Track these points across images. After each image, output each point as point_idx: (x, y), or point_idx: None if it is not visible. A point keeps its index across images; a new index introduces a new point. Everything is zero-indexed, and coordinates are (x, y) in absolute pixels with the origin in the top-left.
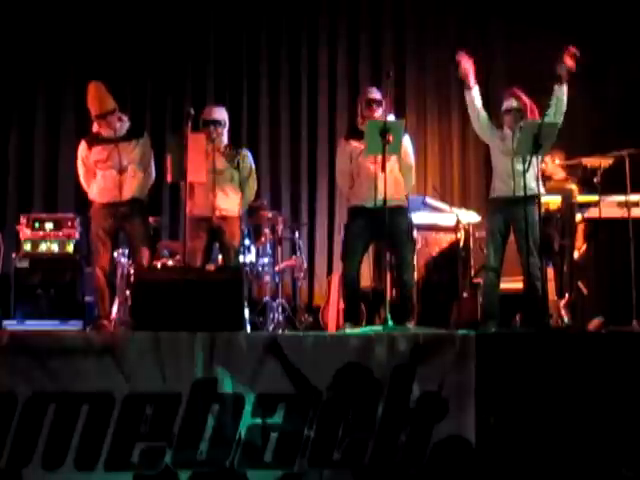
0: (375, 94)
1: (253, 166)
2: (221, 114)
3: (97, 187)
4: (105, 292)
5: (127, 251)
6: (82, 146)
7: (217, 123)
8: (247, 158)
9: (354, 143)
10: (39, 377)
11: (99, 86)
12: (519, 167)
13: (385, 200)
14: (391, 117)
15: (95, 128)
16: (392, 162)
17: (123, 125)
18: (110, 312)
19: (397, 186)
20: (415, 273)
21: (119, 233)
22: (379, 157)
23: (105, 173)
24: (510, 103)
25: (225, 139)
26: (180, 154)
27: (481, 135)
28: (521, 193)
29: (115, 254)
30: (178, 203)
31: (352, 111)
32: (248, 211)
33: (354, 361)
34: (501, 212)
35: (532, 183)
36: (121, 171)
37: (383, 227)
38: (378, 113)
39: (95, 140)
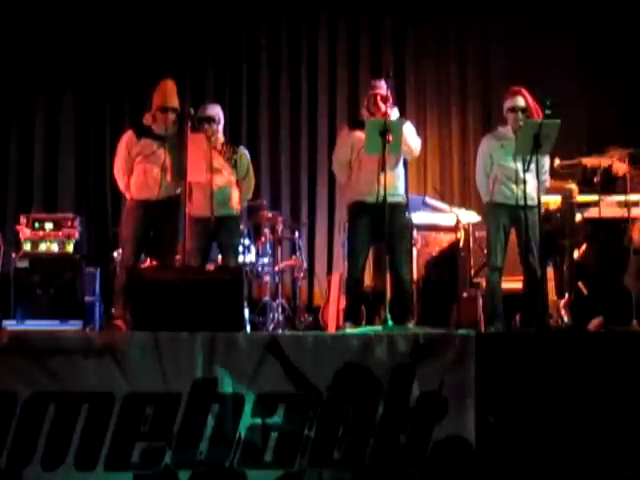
0: (382, 90)
1: (250, 164)
2: (214, 110)
3: (136, 181)
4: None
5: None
6: (129, 135)
7: (211, 120)
8: (244, 156)
9: (358, 134)
10: (39, 377)
11: (173, 84)
12: (522, 175)
13: (385, 196)
14: (395, 112)
15: (147, 121)
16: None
17: (174, 128)
18: (125, 313)
19: (398, 182)
20: (414, 272)
21: (149, 236)
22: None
23: (146, 168)
24: (516, 102)
25: (221, 136)
26: (180, 154)
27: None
28: (523, 202)
29: (115, 254)
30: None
31: (352, 108)
32: (248, 211)
33: (354, 361)
34: (504, 212)
35: (534, 192)
36: (163, 169)
37: (383, 225)
38: (383, 109)
39: (145, 133)
